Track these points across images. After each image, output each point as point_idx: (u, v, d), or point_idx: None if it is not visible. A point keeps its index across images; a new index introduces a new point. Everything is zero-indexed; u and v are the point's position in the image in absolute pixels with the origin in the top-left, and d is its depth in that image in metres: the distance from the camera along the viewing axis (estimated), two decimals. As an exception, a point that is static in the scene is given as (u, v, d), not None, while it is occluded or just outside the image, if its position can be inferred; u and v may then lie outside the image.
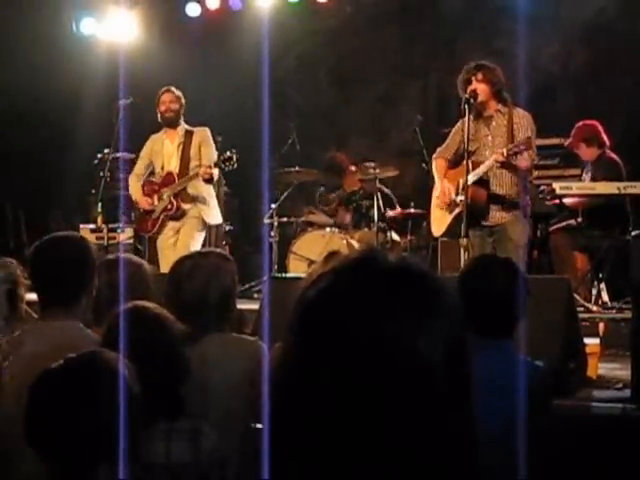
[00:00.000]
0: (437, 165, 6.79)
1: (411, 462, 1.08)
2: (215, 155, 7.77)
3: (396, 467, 1.08)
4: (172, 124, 7.88)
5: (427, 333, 1.09)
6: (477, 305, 3.19)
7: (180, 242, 7.68)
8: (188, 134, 7.85)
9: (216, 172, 7.68)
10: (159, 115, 7.89)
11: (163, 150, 7.91)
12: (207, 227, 7.98)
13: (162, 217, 7.79)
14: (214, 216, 7.95)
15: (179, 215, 7.75)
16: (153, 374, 2.61)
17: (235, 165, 7.57)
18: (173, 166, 7.82)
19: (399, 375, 1.08)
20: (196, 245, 7.60)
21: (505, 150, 6.17)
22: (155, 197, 7.81)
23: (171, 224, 7.79)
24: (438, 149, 6.87)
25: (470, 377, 1.14)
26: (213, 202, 7.94)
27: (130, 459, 2.15)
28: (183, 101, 7.90)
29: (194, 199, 7.76)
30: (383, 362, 1.08)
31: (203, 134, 7.86)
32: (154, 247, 8.05)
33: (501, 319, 3.22)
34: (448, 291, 1.16)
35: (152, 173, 7.97)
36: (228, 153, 7.57)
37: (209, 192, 7.88)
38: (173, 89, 7.91)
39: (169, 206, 7.73)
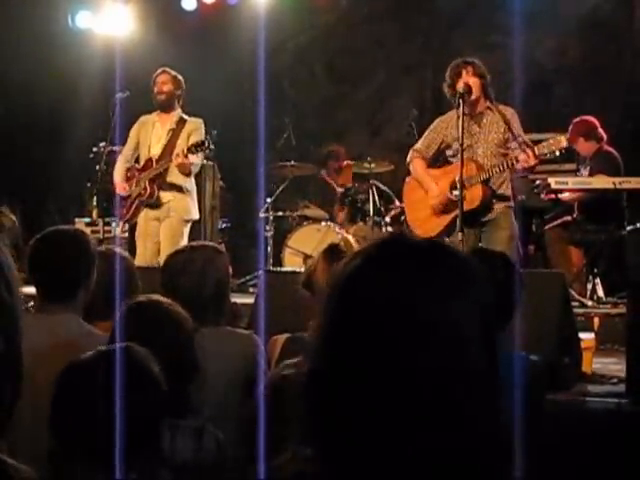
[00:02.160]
0: (417, 166, 6.57)
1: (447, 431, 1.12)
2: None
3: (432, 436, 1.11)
4: (165, 107, 7.59)
5: (460, 299, 1.16)
6: None
7: (165, 239, 7.39)
8: (181, 121, 7.56)
9: (197, 163, 7.41)
10: (153, 96, 7.61)
11: (152, 133, 7.62)
12: (194, 222, 7.69)
13: (136, 202, 7.49)
14: (193, 211, 7.62)
15: (154, 202, 7.42)
16: (162, 371, 2.61)
17: (208, 151, 7.31)
18: (157, 151, 7.52)
19: (436, 344, 1.12)
20: (183, 241, 7.27)
21: (536, 150, 6.05)
22: (133, 182, 7.51)
23: (147, 211, 7.49)
24: (415, 147, 6.63)
25: (497, 348, 1.23)
26: (193, 196, 7.63)
27: (157, 458, 2.17)
28: (182, 85, 7.63)
29: (174, 189, 7.44)
30: (419, 329, 1.12)
31: (195, 125, 7.54)
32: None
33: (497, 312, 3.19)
34: (474, 262, 1.23)
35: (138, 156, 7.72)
36: (201, 137, 7.28)
37: (191, 185, 7.58)
38: (168, 70, 7.63)
39: (142, 191, 7.42)
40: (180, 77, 7.65)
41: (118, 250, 3.94)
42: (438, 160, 6.69)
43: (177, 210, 7.47)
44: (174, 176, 7.42)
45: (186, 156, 7.18)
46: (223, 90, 10.68)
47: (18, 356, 1.37)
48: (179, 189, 7.47)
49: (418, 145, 6.63)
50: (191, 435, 2.61)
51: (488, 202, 6.28)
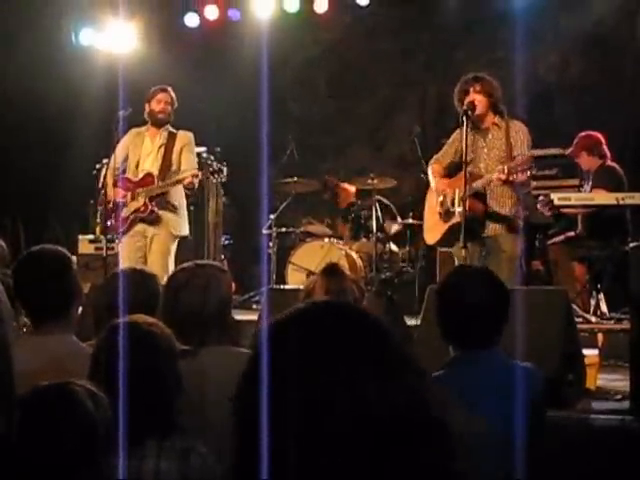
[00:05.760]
0: (434, 169, 6.71)
1: None
2: (195, 162, 7.55)
3: None
4: (161, 125, 7.62)
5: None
6: (456, 317, 3.17)
7: (154, 254, 7.37)
8: (171, 136, 7.57)
9: (196, 182, 7.43)
10: (149, 112, 7.64)
11: (142, 147, 7.60)
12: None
13: (132, 217, 7.44)
14: (183, 227, 7.61)
15: (152, 219, 7.40)
16: (143, 392, 2.59)
17: (224, 179, 7.43)
18: (150, 166, 7.51)
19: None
20: (171, 257, 7.36)
21: (506, 168, 6.06)
22: (129, 195, 7.49)
23: (141, 226, 7.44)
24: (435, 157, 6.78)
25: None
26: (183, 212, 7.62)
27: None
28: (176, 104, 7.70)
29: (170, 207, 7.46)
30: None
31: (186, 139, 7.56)
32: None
33: (482, 329, 3.17)
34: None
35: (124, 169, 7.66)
36: (219, 165, 7.37)
37: (182, 202, 7.59)
38: (170, 89, 7.67)
39: (142, 208, 7.39)
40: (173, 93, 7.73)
41: (145, 268, 4.00)
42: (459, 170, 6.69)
43: (168, 227, 7.46)
44: (173, 195, 7.48)
45: (195, 176, 7.26)
46: (225, 106, 10.70)
47: (10, 387, 1.34)
48: (173, 206, 7.50)
49: (438, 154, 6.78)
50: (177, 456, 2.58)
51: (481, 217, 6.28)
